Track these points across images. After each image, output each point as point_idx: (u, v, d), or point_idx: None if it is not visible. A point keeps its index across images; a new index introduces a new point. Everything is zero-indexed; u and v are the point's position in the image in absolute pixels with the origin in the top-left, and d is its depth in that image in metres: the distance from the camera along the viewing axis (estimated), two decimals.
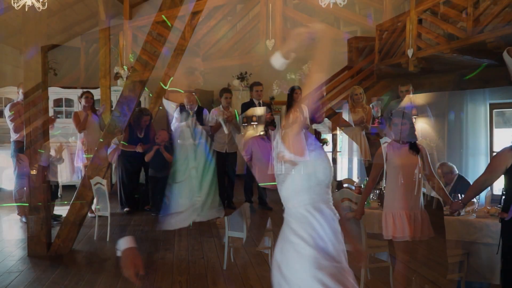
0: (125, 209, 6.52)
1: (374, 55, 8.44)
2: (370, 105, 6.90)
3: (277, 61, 2.02)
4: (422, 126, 6.28)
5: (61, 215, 5.40)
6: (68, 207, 4.80)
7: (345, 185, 5.08)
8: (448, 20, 6.54)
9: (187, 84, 8.29)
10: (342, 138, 6.94)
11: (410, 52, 7.00)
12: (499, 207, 3.77)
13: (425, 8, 6.91)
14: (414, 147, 3.44)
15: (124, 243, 1.86)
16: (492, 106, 6.71)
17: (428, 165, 3.48)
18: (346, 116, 6.61)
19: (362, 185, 4.55)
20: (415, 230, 3.32)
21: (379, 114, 7.31)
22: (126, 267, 1.86)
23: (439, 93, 7.15)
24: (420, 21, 7.03)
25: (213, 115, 6.63)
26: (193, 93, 6.82)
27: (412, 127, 3.48)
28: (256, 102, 6.50)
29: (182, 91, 7.36)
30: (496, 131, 6.76)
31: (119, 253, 1.91)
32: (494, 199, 4.39)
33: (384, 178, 5.69)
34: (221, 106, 6.68)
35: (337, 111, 7.66)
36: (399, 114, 3.49)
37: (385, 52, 7.96)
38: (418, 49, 6.96)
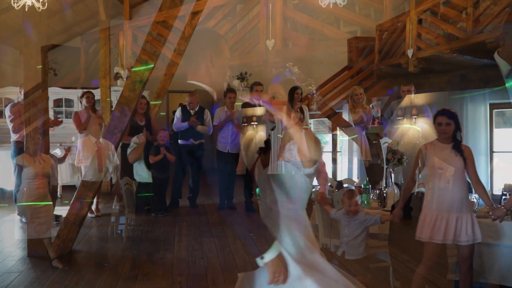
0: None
1: (374, 55, 8.45)
2: (370, 105, 6.90)
3: None
4: (422, 126, 6.28)
5: (61, 215, 5.40)
6: (68, 207, 4.80)
7: (345, 185, 5.08)
8: (448, 20, 6.55)
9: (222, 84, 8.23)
10: (342, 138, 6.95)
11: (410, 52, 7.01)
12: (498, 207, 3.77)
13: (425, 8, 6.92)
14: (458, 147, 3.30)
15: (273, 252, 2.04)
16: (492, 106, 6.71)
17: (472, 166, 3.30)
18: (346, 116, 6.61)
19: (362, 185, 4.55)
20: (456, 234, 3.21)
21: (379, 114, 7.32)
22: (278, 272, 2.06)
23: (439, 93, 7.16)
24: (420, 21, 7.03)
25: (218, 115, 6.65)
26: (195, 93, 6.83)
27: (457, 127, 3.32)
28: (256, 102, 6.50)
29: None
30: (496, 131, 6.76)
31: (264, 262, 2.04)
32: (494, 199, 4.38)
33: (384, 178, 5.69)
34: (225, 106, 6.70)
35: (337, 111, 7.67)
36: (443, 113, 3.33)
37: (385, 52, 7.97)
38: (418, 49, 6.97)
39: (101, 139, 5.58)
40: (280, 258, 2.08)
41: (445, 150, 3.31)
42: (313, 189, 4.50)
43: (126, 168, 6.24)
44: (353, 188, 4.27)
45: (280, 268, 2.07)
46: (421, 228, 3.32)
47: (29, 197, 4.30)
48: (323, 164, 4.40)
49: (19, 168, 4.38)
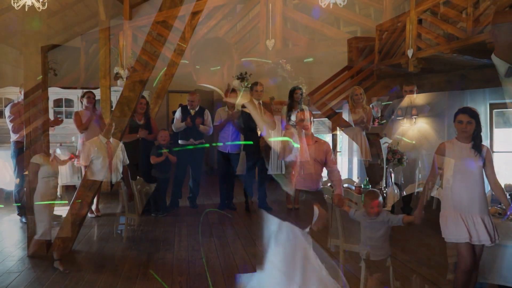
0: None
1: (374, 55, 8.45)
2: (370, 105, 6.90)
3: None
4: (422, 126, 6.28)
5: (61, 215, 5.40)
6: (68, 207, 4.80)
7: (345, 185, 5.08)
8: (448, 20, 6.55)
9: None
10: (342, 138, 6.95)
11: (410, 53, 7.00)
12: (499, 207, 3.78)
13: (425, 9, 6.92)
14: (477, 147, 3.27)
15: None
16: (492, 106, 6.71)
17: (491, 167, 3.30)
18: (346, 116, 6.61)
19: (362, 185, 4.55)
20: (474, 234, 3.21)
21: (379, 114, 7.32)
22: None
23: (439, 93, 7.16)
24: (420, 21, 7.03)
25: (218, 115, 6.64)
26: (196, 92, 6.83)
27: (478, 126, 3.28)
28: (256, 102, 6.50)
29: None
30: (496, 131, 6.76)
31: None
32: (494, 199, 4.39)
33: (384, 178, 5.69)
34: (226, 106, 6.69)
35: (337, 111, 7.67)
36: (465, 111, 3.29)
37: (385, 52, 7.97)
38: (418, 49, 6.97)
39: (111, 139, 5.59)
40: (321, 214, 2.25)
41: (464, 150, 3.27)
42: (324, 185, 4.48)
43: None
44: (375, 190, 4.20)
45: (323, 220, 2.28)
46: (447, 229, 3.28)
47: (46, 196, 4.32)
48: (334, 163, 4.35)
49: (34, 169, 4.36)
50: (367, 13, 10.11)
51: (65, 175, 7.47)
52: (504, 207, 3.69)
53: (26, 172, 4.47)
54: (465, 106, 3.36)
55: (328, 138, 7.98)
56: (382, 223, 3.47)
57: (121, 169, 5.49)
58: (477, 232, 3.22)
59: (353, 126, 6.39)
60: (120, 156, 5.48)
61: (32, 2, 4.80)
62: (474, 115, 3.26)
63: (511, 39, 3.64)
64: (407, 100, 6.19)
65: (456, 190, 3.27)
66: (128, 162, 5.65)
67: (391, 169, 5.48)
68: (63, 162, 4.78)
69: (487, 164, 3.28)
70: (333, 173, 4.26)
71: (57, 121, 6.06)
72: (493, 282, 3.58)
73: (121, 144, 5.38)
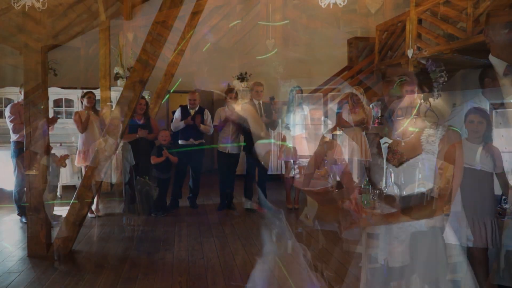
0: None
1: (374, 55, 8.46)
2: (370, 105, 6.90)
3: None
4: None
5: (61, 215, 5.41)
6: (68, 207, 4.80)
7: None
8: (448, 20, 6.56)
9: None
10: (342, 138, 6.94)
11: (410, 53, 7.01)
12: (499, 207, 3.77)
13: (425, 9, 6.93)
14: (488, 148, 3.22)
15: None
16: (492, 106, 6.70)
17: (501, 166, 3.25)
18: (346, 116, 6.61)
19: (362, 185, 4.54)
20: (483, 237, 3.18)
21: (379, 114, 7.31)
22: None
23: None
24: (420, 21, 7.04)
25: (219, 114, 6.65)
26: (196, 92, 6.83)
27: (489, 126, 3.24)
28: (256, 102, 6.51)
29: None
30: (496, 131, 6.74)
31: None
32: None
33: (384, 179, 5.68)
34: (226, 106, 6.69)
35: (337, 111, 7.66)
36: (476, 111, 3.24)
37: (385, 52, 7.98)
38: (418, 49, 6.98)
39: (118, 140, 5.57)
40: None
41: (475, 150, 3.24)
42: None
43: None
44: (391, 194, 4.10)
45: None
46: (454, 231, 3.25)
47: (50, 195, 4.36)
48: (345, 164, 4.30)
49: (44, 169, 4.39)
50: (367, 13, 10.12)
51: (65, 175, 7.47)
52: (505, 207, 3.69)
53: (29, 172, 4.48)
54: (476, 106, 3.33)
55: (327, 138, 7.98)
56: (404, 227, 3.38)
57: (128, 170, 5.49)
58: (486, 235, 3.19)
59: (353, 126, 6.39)
60: (128, 157, 5.49)
61: (32, 2, 4.80)
62: (485, 115, 3.25)
63: (505, 38, 3.65)
64: (407, 99, 6.18)
65: (466, 192, 3.21)
66: (134, 163, 5.65)
67: (391, 169, 5.47)
68: (63, 161, 4.79)
69: (497, 164, 3.24)
70: (344, 174, 4.21)
71: (54, 119, 6.04)
72: (493, 282, 3.57)
73: (122, 144, 5.38)
